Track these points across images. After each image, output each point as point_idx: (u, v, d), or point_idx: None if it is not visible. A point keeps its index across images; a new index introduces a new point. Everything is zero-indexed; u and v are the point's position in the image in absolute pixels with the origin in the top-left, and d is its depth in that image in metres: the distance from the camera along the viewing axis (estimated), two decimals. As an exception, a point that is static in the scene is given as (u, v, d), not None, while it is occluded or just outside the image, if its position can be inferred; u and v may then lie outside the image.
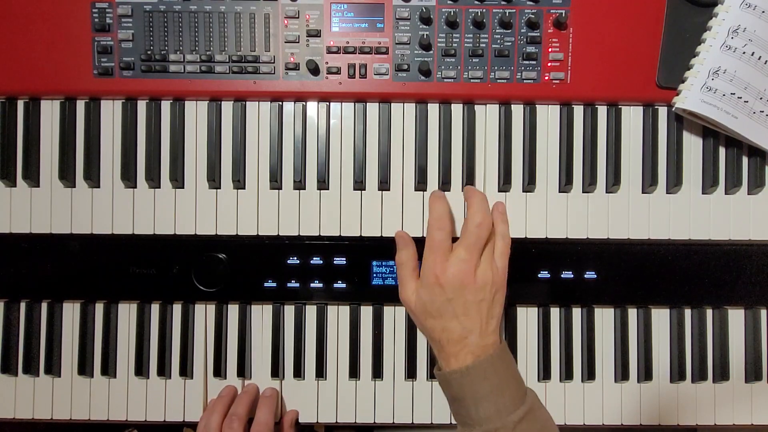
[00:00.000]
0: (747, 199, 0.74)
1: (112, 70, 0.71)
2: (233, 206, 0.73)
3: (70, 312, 0.74)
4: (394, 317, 0.74)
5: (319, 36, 0.71)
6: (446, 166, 0.73)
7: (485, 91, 0.72)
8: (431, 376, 0.73)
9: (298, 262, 0.72)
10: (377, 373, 0.74)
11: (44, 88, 0.72)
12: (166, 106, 0.74)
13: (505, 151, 0.74)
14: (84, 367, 0.73)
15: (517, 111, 0.74)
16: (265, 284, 0.72)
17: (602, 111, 0.74)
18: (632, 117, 0.74)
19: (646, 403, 0.74)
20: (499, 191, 0.74)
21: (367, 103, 0.74)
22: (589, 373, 0.74)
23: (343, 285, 0.72)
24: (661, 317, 0.74)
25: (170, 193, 0.74)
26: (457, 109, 0.74)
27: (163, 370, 0.73)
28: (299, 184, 0.73)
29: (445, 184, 0.73)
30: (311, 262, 0.72)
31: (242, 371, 0.73)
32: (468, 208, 0.67)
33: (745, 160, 0.74)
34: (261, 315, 0.74)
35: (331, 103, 0.74)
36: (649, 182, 0.73)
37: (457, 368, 0.61)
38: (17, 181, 0.73)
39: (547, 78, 0.71)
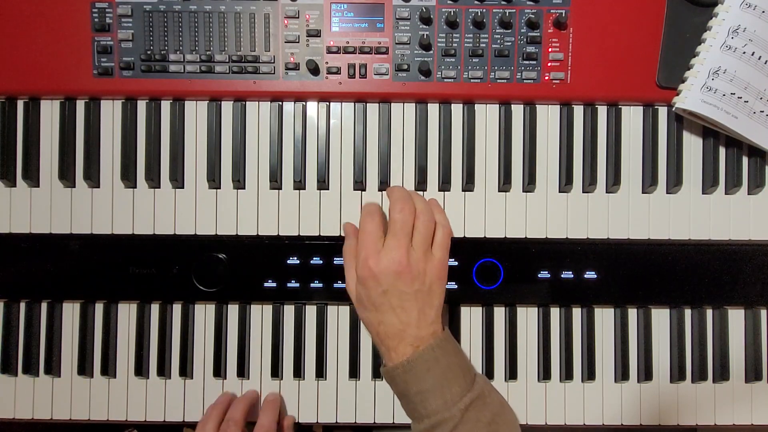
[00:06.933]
0: (747, 199, 0.74)
1: (112, 70, 0.71)
2: (233, 206, 0.73)
3: (70, 312, 0.74)
4: (394, 317, 0.74)
5: (319, 36, 0.71)
6: (446, 166, 0.73)
7: (485, 91, 0.72)
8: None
9: (298, 262, 0.72)
10: (377, 373, 0.74)
11: (44, 88, 0.72)
12: (166, 106, 0.74)
13: (505, 151, 0.73)
14: (84, 367, 0.73)
15: (517, 111, 0.74)
16: (265, 284, 0.72)
17: (602, 111, 0.74)
18: (632, 117, 0.74)
19: (646, 403, 0.74)
20: (499, 191, 0.74)
21: (367, 103, 0.74)
22: (589, 373, 0.74)
23: (343, 285, 0.72)
24: (661, 317, 0.74)
25: (170, 193, 0.74)
26: (457, 109, 0.74)
27: (163, 370, 0.73)
28: (299, 184, 0.73)
29: (445, 183, 0.73)
30: (311, 262, 0.72)
31: (242, 371, 0.73)
32: (389, 200, 0.66)
33: (745, 160, 0.74)
34: (261, 315, 0.74)
35: (331, 103, 0.74)
36: (649, 182, 0.73)
37: (398, 362, 0.61)
38: (17, 181, 0.73)
39: (547, 78, 0.71)
